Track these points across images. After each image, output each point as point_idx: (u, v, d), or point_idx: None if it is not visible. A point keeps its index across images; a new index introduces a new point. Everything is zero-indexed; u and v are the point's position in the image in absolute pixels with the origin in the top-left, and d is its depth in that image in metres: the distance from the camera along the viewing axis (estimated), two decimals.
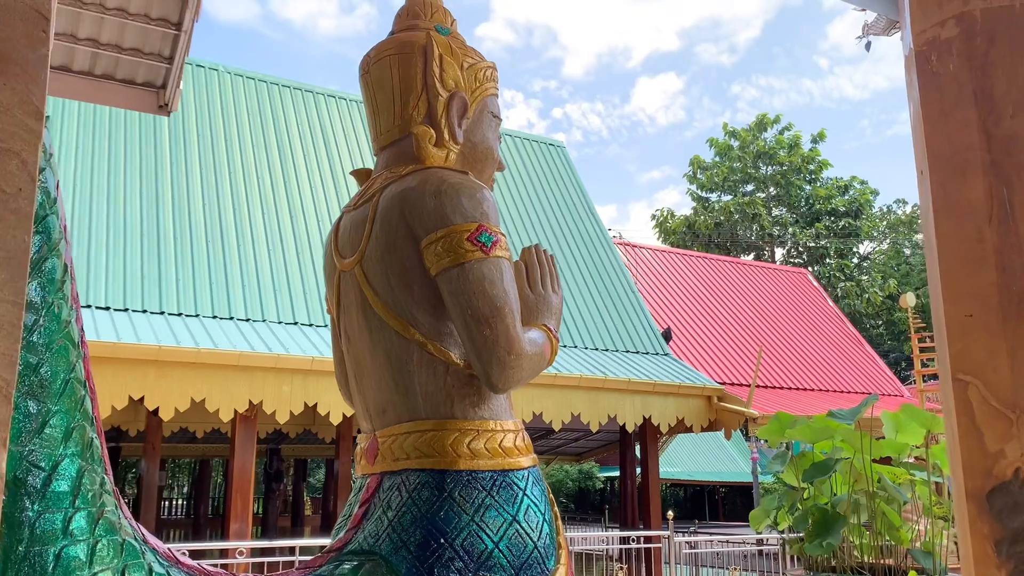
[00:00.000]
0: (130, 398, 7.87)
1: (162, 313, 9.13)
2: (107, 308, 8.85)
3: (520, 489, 1.54)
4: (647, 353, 12.39)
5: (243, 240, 10.56)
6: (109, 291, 9.01)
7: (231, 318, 9.48)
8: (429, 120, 1.73)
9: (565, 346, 11.55)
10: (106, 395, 7.68)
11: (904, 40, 1.27)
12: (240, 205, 11.01)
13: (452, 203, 1.55)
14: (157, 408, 7.94)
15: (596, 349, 11.90)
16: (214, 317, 9.38)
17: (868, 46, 6.11)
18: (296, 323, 9.89)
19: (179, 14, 6.06)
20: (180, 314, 9.21)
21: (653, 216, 34.01)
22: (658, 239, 33.15)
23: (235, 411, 8.30)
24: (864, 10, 5.86)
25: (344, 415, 8.71)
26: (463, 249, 1.52)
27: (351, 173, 1.87)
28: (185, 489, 31.82)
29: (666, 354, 12.62)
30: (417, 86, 1.74)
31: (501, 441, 1.56)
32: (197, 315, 9.30)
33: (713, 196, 34.13)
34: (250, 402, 8.31)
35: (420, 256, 1.57)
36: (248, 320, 9.57)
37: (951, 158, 1.13)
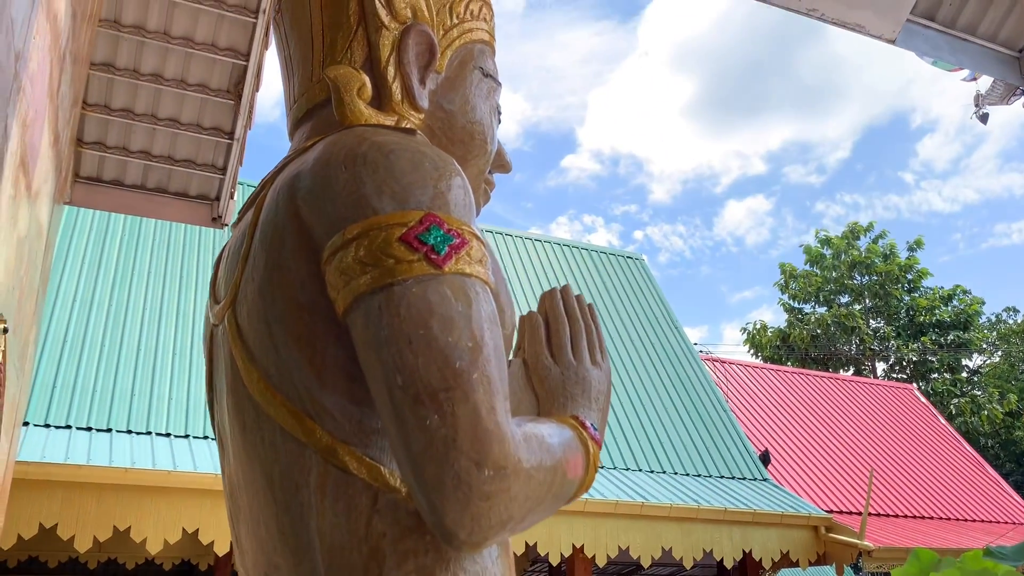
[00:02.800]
0: (183, 530, 7.40)
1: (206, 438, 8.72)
2: (167, 435, 8.49)
3: None
4: (744, 479, 11.33)
5: None
6: (171, 418, 8.69)
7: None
8: (369, 69, 1.04)
9: (652, 471, 10.61)
10: (160, 528, 7.24)
11: None
12: None
13: (376, 176, 0.88)
14: (211, 542, 7.43)
15: (686, 475, 10.92)
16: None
17: (985, 118, 5.45)
18: None
19: (232, 123, 5.84)
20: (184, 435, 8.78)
21: (743, 330, 32.82)
22: (750, 355, 31.81)
23: None
24: (975, 79, 5.24)
25: None
26: (391, 258, 0.84)
27: None
28: None
29: (765, 479, 11.52)
30: (349, 17, 1.06)
31: None
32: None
33: (807, 307, 32.84)
34: None
35: (323, 280, 0.91)
36: None
37: None
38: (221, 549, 7.45)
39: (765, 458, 12.26)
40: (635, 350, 12.83)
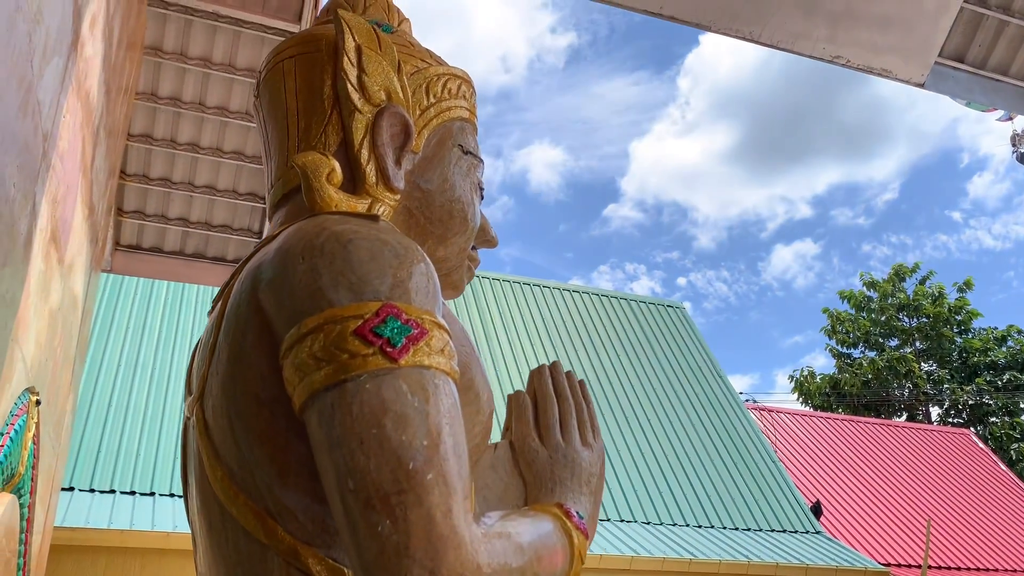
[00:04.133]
0: None
1: None
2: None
3: None
4: (795, 531, 10.98)
5: None
6: None
7: None
8: (344, 153, 1.03)
9: (700, 527, 10.35)
10: None
11: None
12: None
13: (332, 267, 0.85)
14: None
15: (735, 529, 10.63)
16: None
17: (1021, 157, 5.35)
18: None
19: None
20: None
21: (791, 377, 32.20)
22: (799, 402, 31.14)
23: None
24: (1011, 118, 5.14)
25: None
26: (345, 353, 0.80)
27: None
28: None
29: (817, 532, 11.17)
30: (323, 102, 1.05)
31: None
32: None
33: (856, 352, 32.15)
34: None
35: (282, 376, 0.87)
36: None
37: None
38: None
39: (817, 509, 11.89)
40: (678, 400, 12.62)
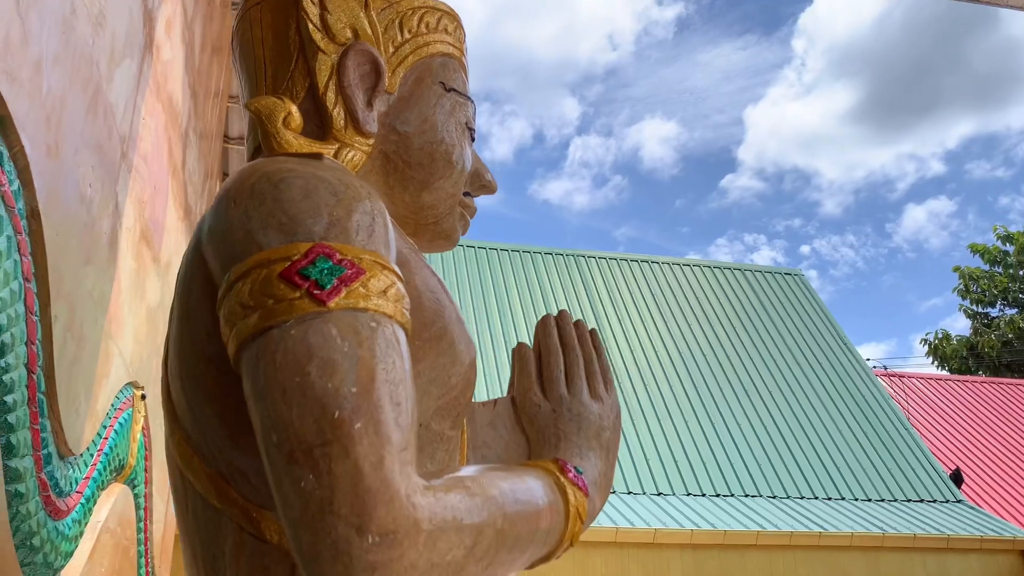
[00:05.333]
0: None
1: None
2: None
3: None
4: (934, 501, 10.44)
5: None
6: None
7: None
8: (312, 98, 0.97)
9: (829, 499, 9.96)
10: None
11: None
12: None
13: (262, 208, 0.79)
14: None
15: (868, 500, 10.19)
16: None
17: None
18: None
19: None
20: None
21: (924, 341, 30.60)
22: (935, 367, 29.57)
23: None
24: None
25: None
26: (271, 298, 0.75)
27: None
28: None
29: (959, 500, 10.58)
30: (288, 46, 0.99)
31: None
32: None
33: (994, 311, 30.23)
34: None
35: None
36: None
37: None
38: None
39: (957, 477, 11.27)
40: (801, 371, 12.18)
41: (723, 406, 11.19)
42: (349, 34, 0.99)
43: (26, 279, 1.57)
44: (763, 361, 12.25)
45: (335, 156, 0.95)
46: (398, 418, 0.71)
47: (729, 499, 9.62)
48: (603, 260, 13.90)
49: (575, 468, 0.94)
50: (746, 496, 9.80)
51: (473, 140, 1.10)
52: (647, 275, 13.75)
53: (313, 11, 0.98)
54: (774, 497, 9.87)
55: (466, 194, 1.11)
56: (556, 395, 1.03)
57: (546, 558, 0.91)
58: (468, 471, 0.83)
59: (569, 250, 13.97)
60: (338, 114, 0.97)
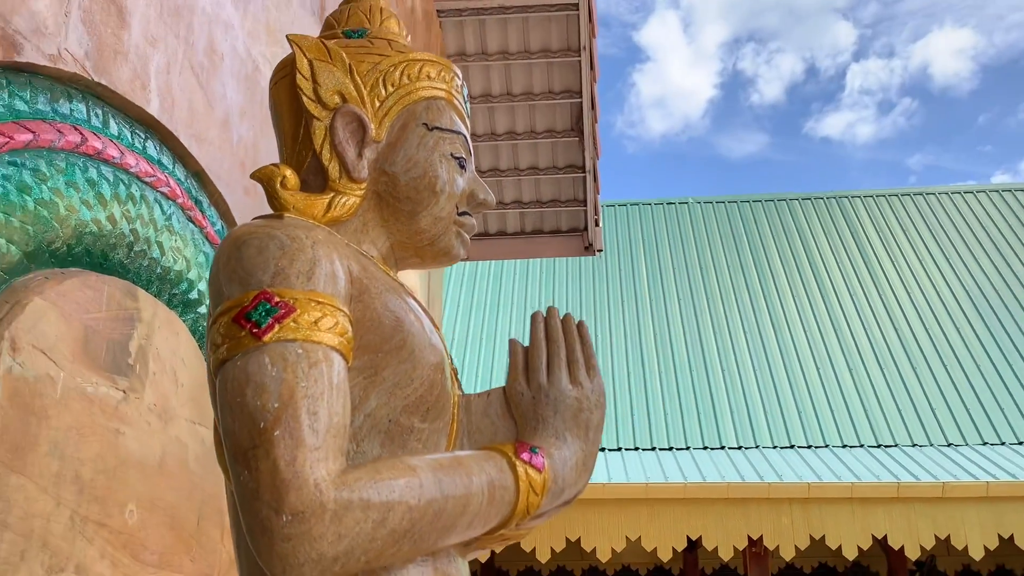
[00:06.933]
0: (626, 539, 7.83)
1: (652, 449, 9.11)
2: (601, 449, 9.11)
3: None
4: None
5: (727, 364, 10.24)
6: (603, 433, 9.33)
7: (721, 447, 9.08)
8: (315, 158, 1.17)
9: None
10: (601, 536, 7.71)
11: None
12: (720, 328, 10.77)
13: (230, 268, 1.01)
14: (654, 547, 7.76)
15: None
16: (704, 448, 9.08)
17: None
18: (792, 446, 9.08)
19: (581, 158, 6.24)
20: (670, 448, 9.09)
21: None
22: None
23: (734, 548, 7.74)
24: None
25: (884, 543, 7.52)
26: (227, 339, 0.97)
27: None
28: None
29: None
30: (294, 117, 1.21)
31: None
32: (687, 447, 9.09)
33: None
34: (749, 538, 7.71)
35: None
36: (740, 448, 9.06)
37: None
38: (665, 556, 7.71)
39: None
40: None
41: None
42: (337, 99, 1.17)
43: None
44: None
45: (330, 203, 1.15)
46: (313, 424, 0.91)
47: None
48: (870, 199, 13.00)
49: (531, 449, 1.09)
50: None
51: (462, 168, 1.25)
52: (924, 209, 12.65)
53: (306, 86, 1.17)
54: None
55: (465, 213, 1.27)
56: (536, 383, 1.18)
57: (502, 525, 1.07)
58: (411, 459, 1.00)
59: (831, 192, 13.20)
60: (333, 168, 1.16)
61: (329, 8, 2.99)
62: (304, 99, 1.18)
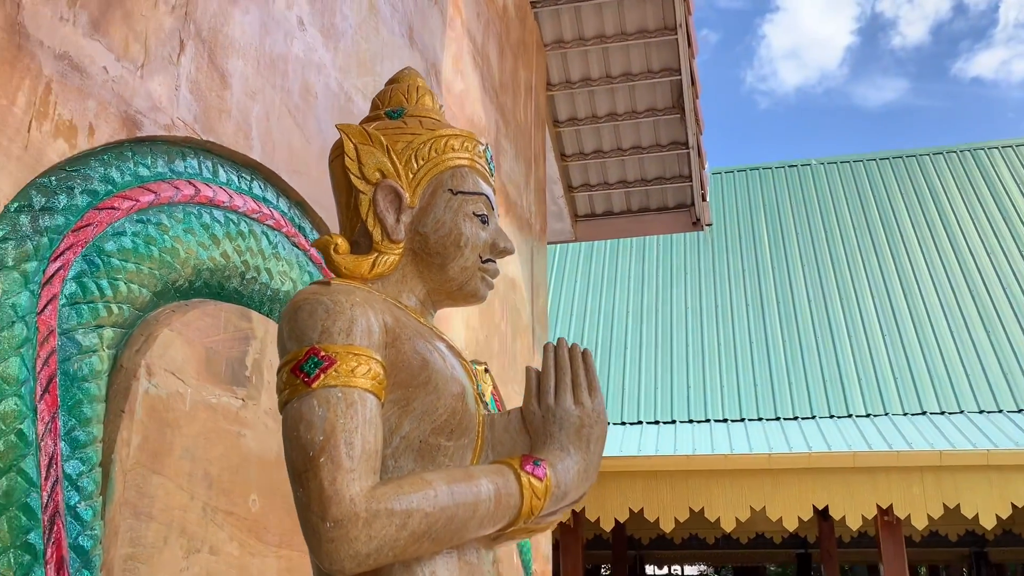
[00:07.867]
0: (751, 508, 7.89)
1: (777, 419, 9.06)
2: (724, 420, 9.14)
3: None
4: None
5: (854, 330, 10.01)
6: (725, 404, 9.34)
7: (848, 415, 8.93)
8: (362, 225, 1.42)
9: None
10: (725, 507, 7.81)
11: None
12: (847, 293, 10.51)
13: (288, 328, 1.26)
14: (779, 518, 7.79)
15: None
16: (830, 416, 8.96)
17: None
18: (924, 412, 8.83)
19: (684, 134, 6.27)
20: (795, 418, 9.03)
21: None
22: None
23: (862, 517, 7.67)
24: None
25: None
26: (287, 386, 1.21)
27: None
28: None
29: None
30: (346, 194, 1.46)
31: None
32: (812, 416, 9.00)
33: None
34: (878, 507, 7.62)
35: None
36: (868, 415, 8.89)
37: None
38: (791, 526, 7.73)
39: None
40: None
41: None
42: (378, 175, 1.42)
43: None
44: None
45: (374, 262, 1.39)
46: (349, 452, 1.15)
47: None
48: (1009, 149, 12.30)
49: (535, 461, 1.30)
50: None
51: (485, 222, 1.46)
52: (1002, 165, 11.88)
53: (353, 166, 1.42)
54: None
55: (489, 260, 1.48)
56: (545, 404, 1.38)
57: (512, 523, 1.27)
58: (429, 475, 1.22)
59: (964, 144, 12.58)
60: (377, 232, 1.41)
61: (418, 33, 3.21)
62: (352, 177, 1.42)
